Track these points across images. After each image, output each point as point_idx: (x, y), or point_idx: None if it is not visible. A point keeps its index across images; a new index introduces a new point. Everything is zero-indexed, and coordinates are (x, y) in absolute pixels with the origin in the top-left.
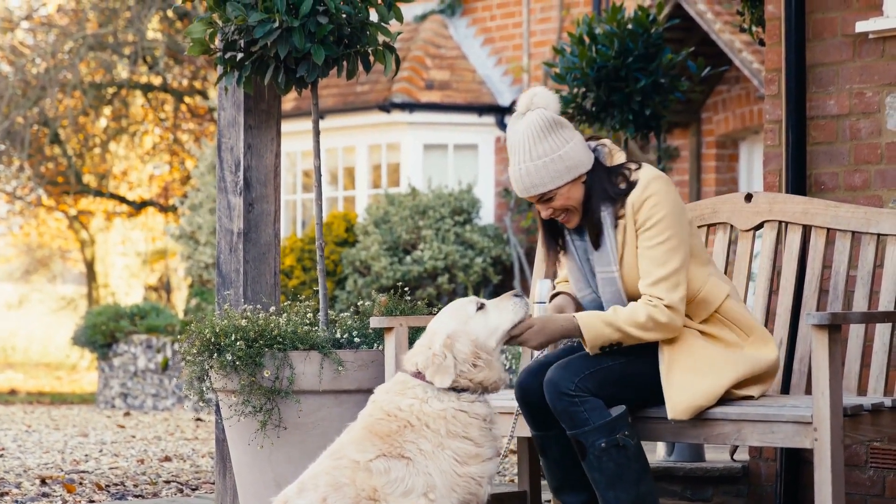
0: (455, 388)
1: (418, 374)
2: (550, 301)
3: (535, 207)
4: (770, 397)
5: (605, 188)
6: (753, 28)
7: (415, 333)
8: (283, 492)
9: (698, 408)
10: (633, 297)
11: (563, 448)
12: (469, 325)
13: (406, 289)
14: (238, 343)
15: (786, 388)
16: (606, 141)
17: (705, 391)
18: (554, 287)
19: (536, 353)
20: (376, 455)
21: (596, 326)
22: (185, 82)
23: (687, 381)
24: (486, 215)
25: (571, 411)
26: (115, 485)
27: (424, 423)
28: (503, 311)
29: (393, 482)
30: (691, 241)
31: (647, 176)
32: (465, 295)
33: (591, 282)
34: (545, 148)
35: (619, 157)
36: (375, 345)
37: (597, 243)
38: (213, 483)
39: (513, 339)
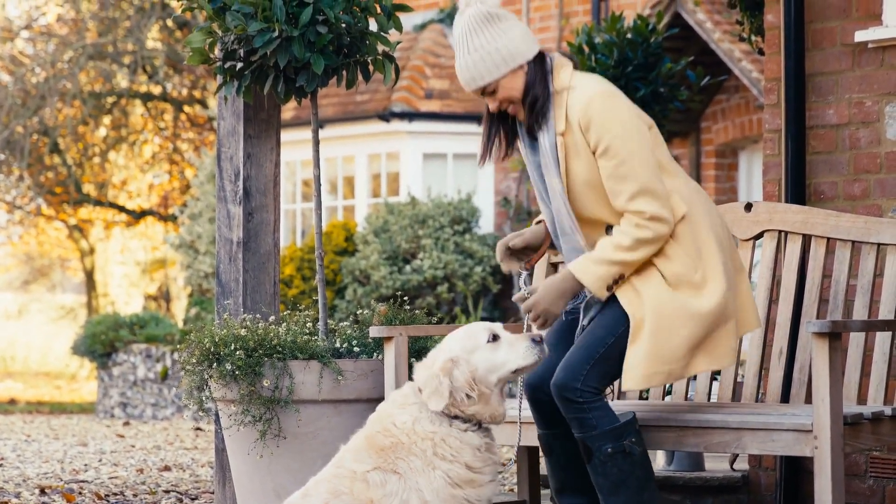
0: (447, 414)
1: (421, 390)
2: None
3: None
4: (769, 405)
5: (545, 80)
6: (753, 37)
7: (414, 343)
8: (289, 498)
9: (649, 376)
10: (580, 217)
11: (569, 448)
12: (475, 355)
13: (405, 298)
14: (238, 352)
15: (785, 397)
16: (557, 55)
17: (659, 357)
18: (531, 278)
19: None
20: (372, 467)
21: (590, 270)
22: (184, 91)
23: (641, 351)
24: (486, 224)
25: (580, 417)
26: (115, 494)
27: (413, 441)
28: (515, 351)
29: (388, 495)
30: (656, 151)
31: (586, 90)
32: (465, 304)
33: (546, 197)
34: (482, 41)
35: (564, 74)
36: (375, 354)
37: (533, 135)
38: (213, 492)
39: (518, 372)
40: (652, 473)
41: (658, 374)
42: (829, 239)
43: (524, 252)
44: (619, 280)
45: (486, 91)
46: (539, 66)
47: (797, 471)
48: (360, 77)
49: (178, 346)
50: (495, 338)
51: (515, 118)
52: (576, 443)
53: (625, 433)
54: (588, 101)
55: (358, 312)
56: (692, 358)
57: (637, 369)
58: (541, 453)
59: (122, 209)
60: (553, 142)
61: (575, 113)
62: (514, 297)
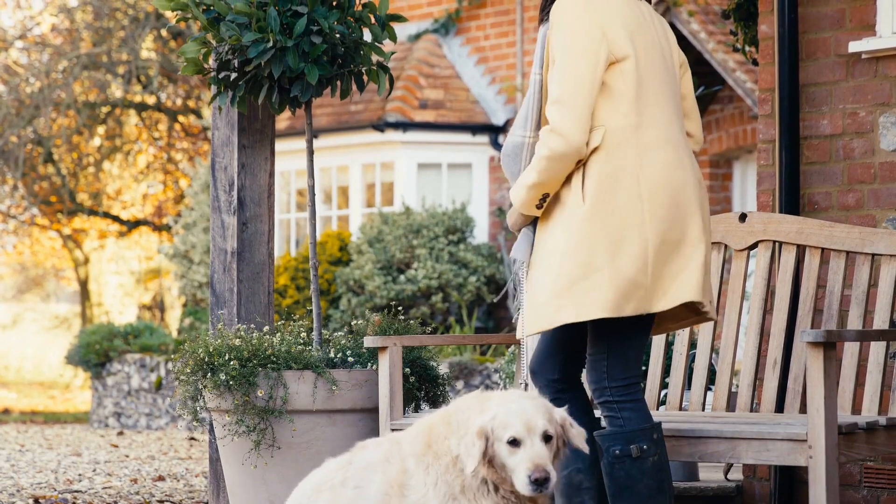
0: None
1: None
2: None
3: None
4: (764, 415)
5: None
6: (747, 48)
7: (408, 352)
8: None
9: (529, 326)
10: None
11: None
12: (497, 448)
13: (400, 308)
14: (232, 362)
15: (780, 407)
16: None
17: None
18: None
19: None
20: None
21: (514, 193)
22: (178, 101)
23: (526, 299)
24: (480, 234)
25: (610, 417)
26: None
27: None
28: (517, 472)
29: (411, 487)
30: (605, 78)
31: None
32: (459, 314)
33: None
34: None
35: None
36: (369, 364)
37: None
38: (207, 502)
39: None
40: (666, 487)
41: (531, 321)
42: (823, 249)
43: None
44: (544, 199)
45: None
46: None
47: (792, 481)
48: (354, 87)
49: (173, 356)
50: (514, 442)
51: None
52: None
53: (634, 438)
54: (558, 2)
55: (352, 322)
56: (559, 305)
57: (523, 321)
58: None
59: (116, 219)
60: (544, 33)
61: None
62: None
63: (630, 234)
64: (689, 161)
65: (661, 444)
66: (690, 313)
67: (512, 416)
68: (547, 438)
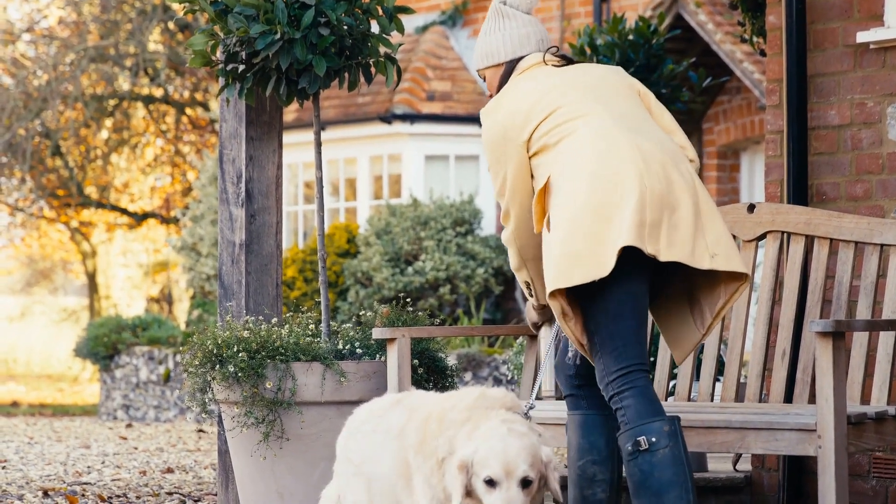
0: None
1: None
2: None
3: None
4: (773, 405)
5: (504, 83)
6: (754, 38)
7: (417, 344)
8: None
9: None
10: None
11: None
12: (475, 483)
13: (408, 300)
14: (240, 354)
15: (789, 397)
16: (531, 58)
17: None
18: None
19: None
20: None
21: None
22: (186, 94)
23: None
24: (488, 226)
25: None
26: (118, 496)
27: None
28: None
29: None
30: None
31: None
32: (467, 306)
33: None
34: (484, 30)
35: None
36: (378, 355)
37: None
38: (216, 494)
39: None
40: (680, 480)
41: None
42: (831, 240)
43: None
44: (529, 286)
45: (482, 77)
46: (507, 70)
47: (801, 471)
48: (361, 79)
49: (181, 349)
50: (491, 483)
51: None
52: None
53: (643, 430)
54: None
55: (360, 314)
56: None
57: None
58: None
59: (124, 212)
60: None
61: None
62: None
63: (569, 211)
64: (633, 141)
65: (673, 437)
66: (712, 282)
67: (492, 456)
68: (525, 483)
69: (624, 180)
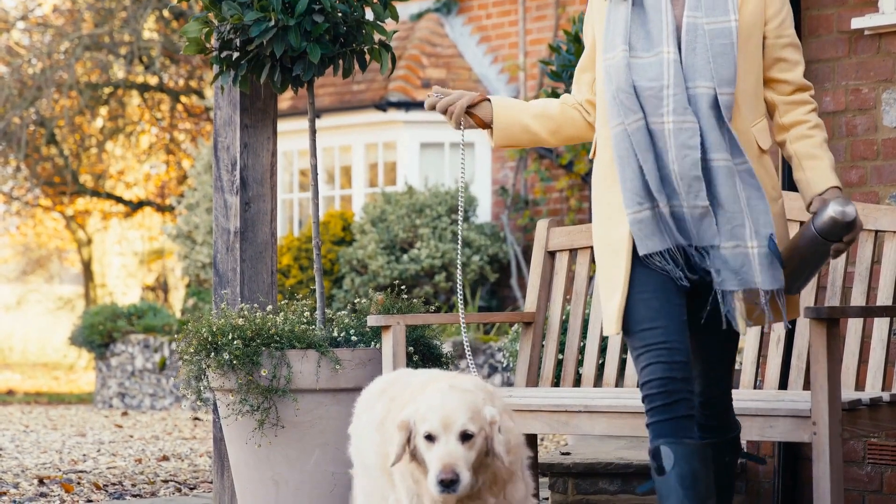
0: None
1: None
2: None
3: None
4: (768, 392)
5: None
6: None
7: (412, 331)
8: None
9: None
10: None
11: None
12: (417, 442)
13: (403, 287)
14: (235, 342)
15: (784, 384)
16: None
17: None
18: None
19: None
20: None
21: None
22: (181, 82)
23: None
24: (483, 213)
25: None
26: (113, 484)
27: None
28: (431, 471)
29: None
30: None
31: None
32: (462, 293)
33: (663, 38)
34: None
35: None
36: (373, 343)
37: None
38: (212, 482)
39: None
40: (694, 499)
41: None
42: None
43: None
44: None
45: None
46: None
47: (796, 457)
48: (356, 66)
49: (176, 337)
50: (430, 437)
51: None
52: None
53: (654, 454)
54: None
55: (355, 301)
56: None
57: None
58: None
59: (119, 200)
60: None
61: None
62: (427, 103)
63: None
64: None
65: (679, 454)
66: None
67: (431, 411)
68: (465, 437)
69: None
